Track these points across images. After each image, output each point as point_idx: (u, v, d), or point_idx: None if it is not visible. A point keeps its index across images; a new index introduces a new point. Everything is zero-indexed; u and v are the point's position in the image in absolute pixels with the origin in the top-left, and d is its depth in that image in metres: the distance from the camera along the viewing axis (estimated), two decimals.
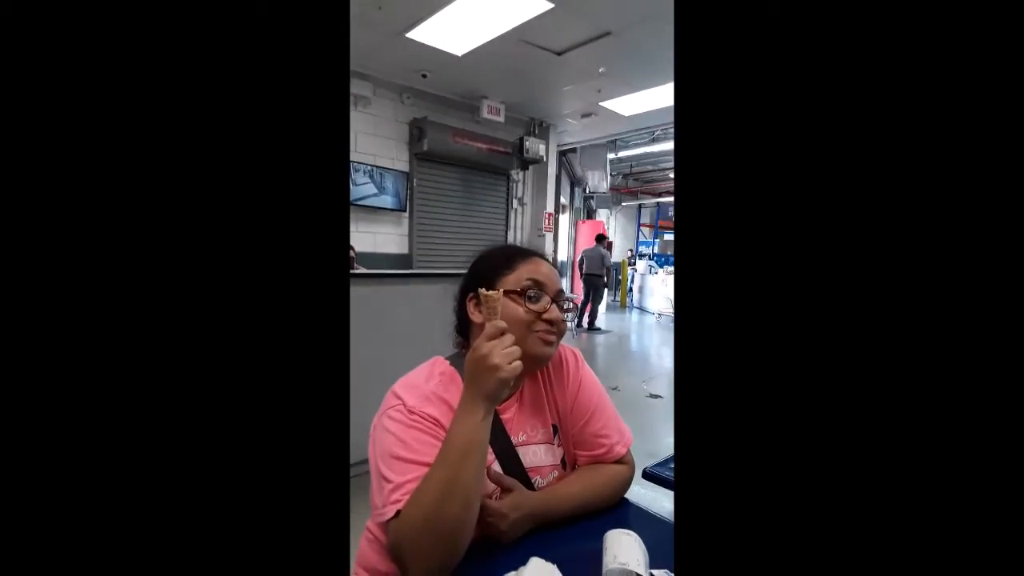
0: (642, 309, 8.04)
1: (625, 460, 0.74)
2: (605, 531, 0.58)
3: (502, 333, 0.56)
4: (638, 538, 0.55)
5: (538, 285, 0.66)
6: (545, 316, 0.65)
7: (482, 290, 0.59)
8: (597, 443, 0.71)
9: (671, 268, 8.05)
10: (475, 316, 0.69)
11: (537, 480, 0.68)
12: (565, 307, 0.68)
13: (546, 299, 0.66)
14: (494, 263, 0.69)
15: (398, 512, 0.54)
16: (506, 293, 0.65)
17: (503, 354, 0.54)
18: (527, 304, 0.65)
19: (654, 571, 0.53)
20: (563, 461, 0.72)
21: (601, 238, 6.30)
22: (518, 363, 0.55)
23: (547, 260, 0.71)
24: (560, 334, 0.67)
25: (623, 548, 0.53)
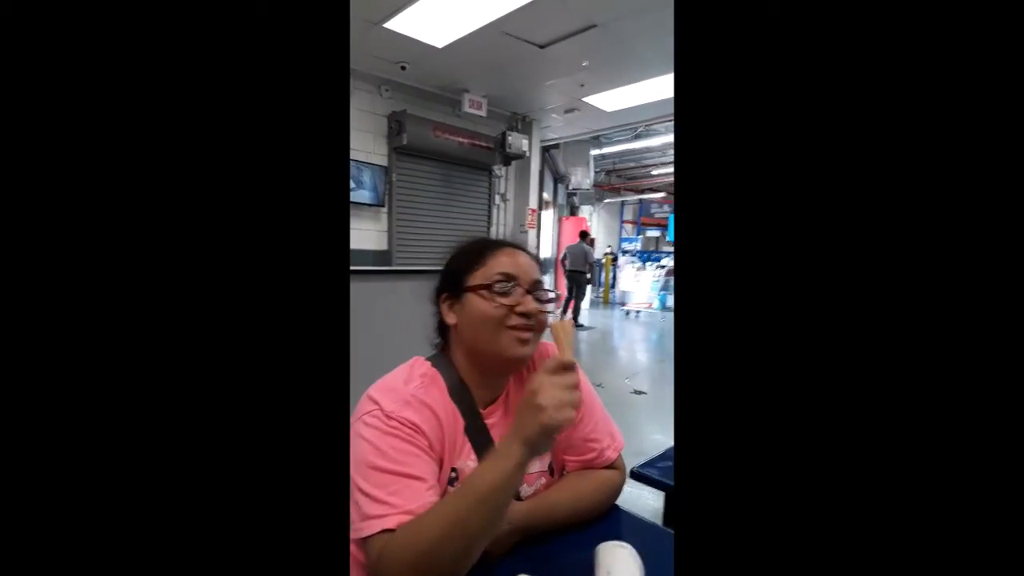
0: (623, 305, 8.10)
1: (616, 465, 0.70)
2: (596, 542, 0.54)
3: (565, 369, 0.49)
4: (633, 551, 0.52)
5: (508, 277, 0.61)
6: (518, 309, 0.60)
7: (552, 321, 0.54)
8: (587, 447, 0.68)
9: (640, 264, 8.19)
10: (449, 318, 0.64)
11: (523, 488, 0.64)
12: (544, 298, 0.63)
13: (519, 291, 0.61)
14: (465, 259, 0.65)
15: (384, 530, 0.49)
16: (473, 289, 0.61)
17: (554, 396, 0.47)
18: (496, 298, 0.60)
19: None
20: (551, 467, 0.68)
21: (584, 235, 6.30)
22: (570, 412, 0.47)
23: (523, 250, 0.66)
24: (539, 327, 0.62)
25: (617, 563, 0.50)
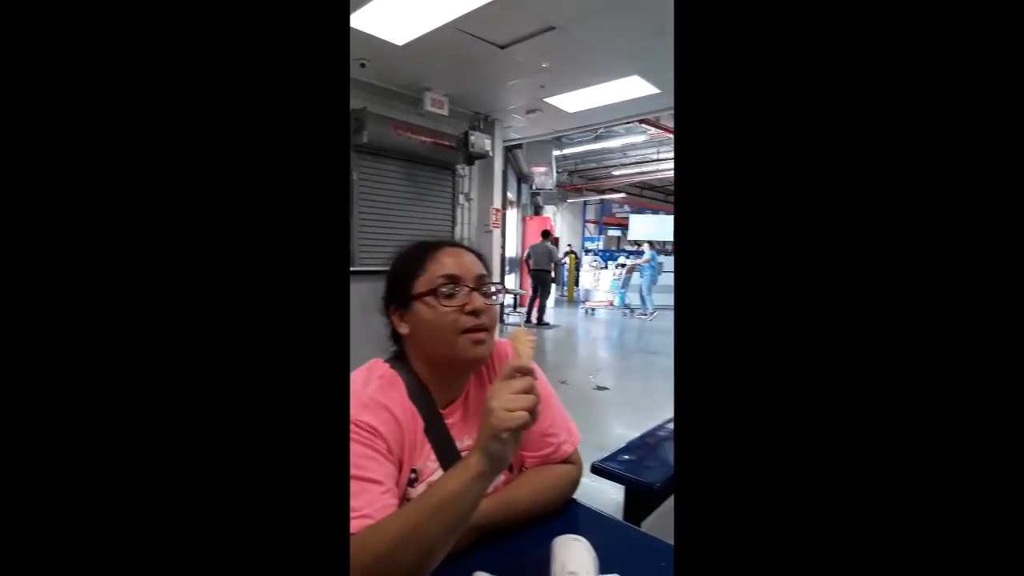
0: (585, 303, 8.24)
1: (572, 459, 0.72)
2: (553, 537, 0.56)
3: (522, 374, 0.49)
4: (587, 543, 0.54)
5: (452, 279, 0.62)
6: (467, 308, 0.61)
7: (511, 331, 0.55)
8: (544, 442, 0.70)
9: (602, 263, 8.39)
10: (401, 328, 0.64)
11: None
12: (491, 291, 0.64)
13: (463, 291, 0.62)
14: (407, 267, 0.65)
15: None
16: (419, 296, 0.61)
17: (504, 399, 0.47)
18: (443, 302, 0.61)
19: None
20: (510, 464, 0.69)
21: (546, 234, 6.36)
22: (523, 415, 0.47)
23: (462, 247, 0.67)
24: (491, 322, 0.63)
25: (572, 555, 0.52)
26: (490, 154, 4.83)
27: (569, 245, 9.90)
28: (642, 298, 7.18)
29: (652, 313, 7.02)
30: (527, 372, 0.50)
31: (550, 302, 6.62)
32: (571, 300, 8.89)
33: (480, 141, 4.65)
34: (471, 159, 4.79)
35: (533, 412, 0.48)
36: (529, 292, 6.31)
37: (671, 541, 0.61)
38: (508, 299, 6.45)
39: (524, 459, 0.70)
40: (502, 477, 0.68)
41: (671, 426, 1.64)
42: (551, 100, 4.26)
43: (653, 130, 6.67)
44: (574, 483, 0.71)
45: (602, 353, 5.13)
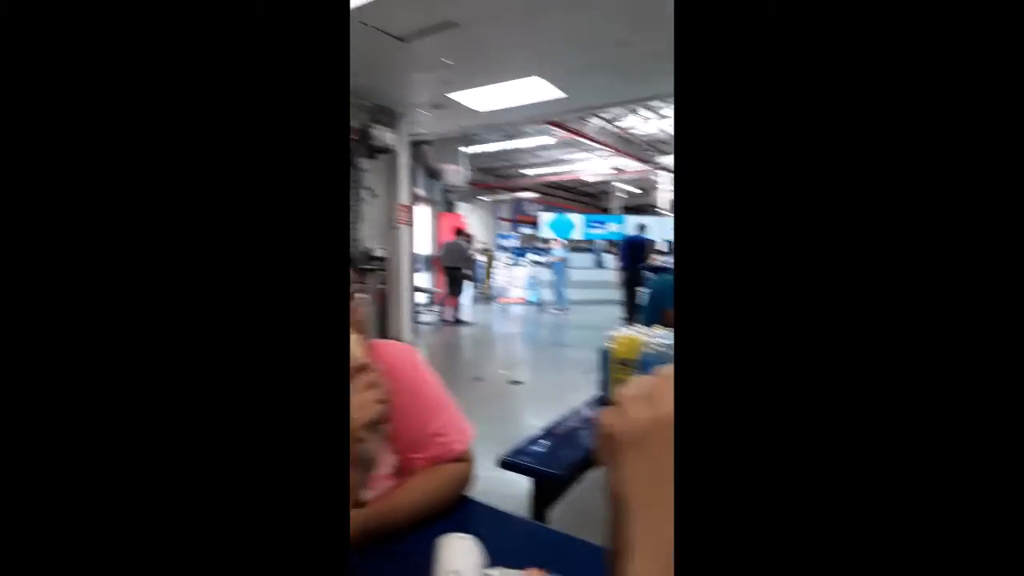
0: (500, 300, 8.35)
1: (465, 457, 0.71)
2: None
3: (362, 370, 0.48)
4: (473, 540, 0.52)
5: None
6: None
7: None
8: (433, 443, 0.67)
9: (515, 260, 8.61)
10: None
11: (366, 493, 0.61)
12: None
13: None
14: None
15: None
16: None
17: (353, 398, 0.46)
18: None
19: (488, 571, 0.50)
20: (398, 468, 0.66)
21: (460, 232, 6.33)
22: (375, 406, 0.47)
23: None
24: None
25: (455, 554, 0.50)
26: (393, 149, 4.68)
27: (483, 242, 9.95)
28: (558, 293, 7.42)
29: (566, 308, 7.29)
30: (363, 368, 0.49)
31: (467, 300, 6.59)
32: (487, 296, 8.95)
33: (382, 135, 4.48)
34: (372, 153, 4.60)
35: (383, 401, 0.49)
36: (444, 290, 6.24)
37: (572, 532, 0.62)
38: (423, 298, 6.31)
39: (414, 462, 0.67)
40: (391, 483, 0.64)
41: (583, 414, 1.70)
42: (456, 96, 4.22)
43: (562, 132, 6.89)
44: (466, 479, 0.70)
45: (517, 348, 5.22)
